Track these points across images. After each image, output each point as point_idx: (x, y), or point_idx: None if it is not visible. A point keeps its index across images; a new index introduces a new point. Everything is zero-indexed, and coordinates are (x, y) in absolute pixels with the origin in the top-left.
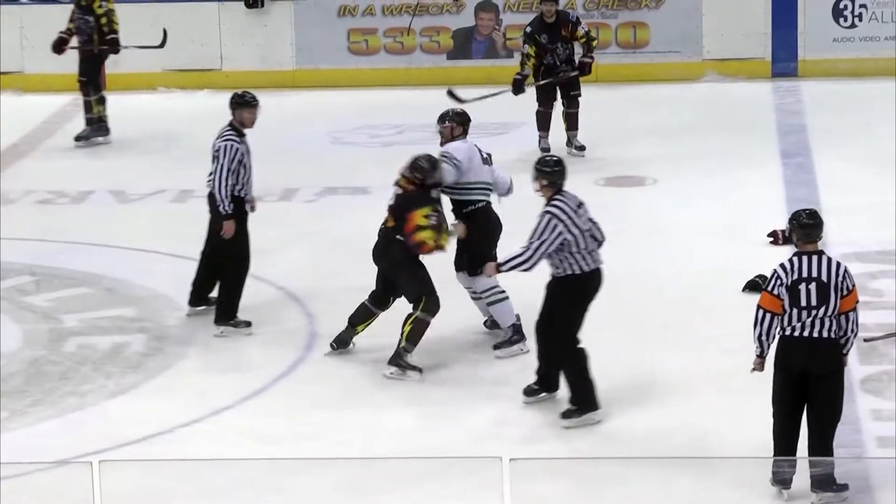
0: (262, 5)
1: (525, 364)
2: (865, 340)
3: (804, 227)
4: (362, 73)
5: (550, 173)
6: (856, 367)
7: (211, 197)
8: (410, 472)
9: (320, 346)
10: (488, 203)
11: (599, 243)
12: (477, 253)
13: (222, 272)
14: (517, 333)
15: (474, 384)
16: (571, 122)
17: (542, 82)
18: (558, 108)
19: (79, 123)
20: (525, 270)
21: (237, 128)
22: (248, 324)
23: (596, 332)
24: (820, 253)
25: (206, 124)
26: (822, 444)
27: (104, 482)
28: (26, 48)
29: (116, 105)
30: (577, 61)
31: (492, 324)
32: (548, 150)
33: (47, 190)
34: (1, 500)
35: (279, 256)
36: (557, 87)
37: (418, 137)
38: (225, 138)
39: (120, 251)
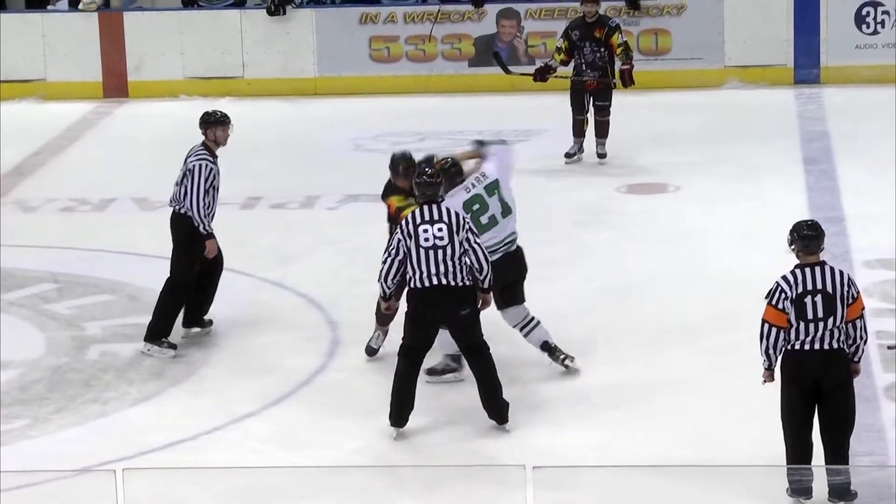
0: (285, 13)
1: (550, 374)
2: (889, 348)
3: (804, 239)
4: (384, 80)
5: (418, 184)
6: (879, 375)
7: (178, 218)
8: (433, 480)
9: (342, 354)
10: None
11: (480, 269)
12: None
13: (203, 288)
14: (454, 362)
15: None
16: (599, 130)
17: (570, 80)
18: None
19: (102, 130)
20: (382, 286)
21: (210, 148)
22: (173, 346)
23: (617, 337)
24: (822, 264)
25: None
26: (839, 454)
27: (127, 490)
28: (49, 56)
29: (139, 113)
30: (609, 69)
31: (543, 345)
32: (572, 156)
33: (69, 197)
34: None
35: (301, 263)
36: (590, 95)
37: (440, 144)
38: (199, 157)
39: (142, 258)
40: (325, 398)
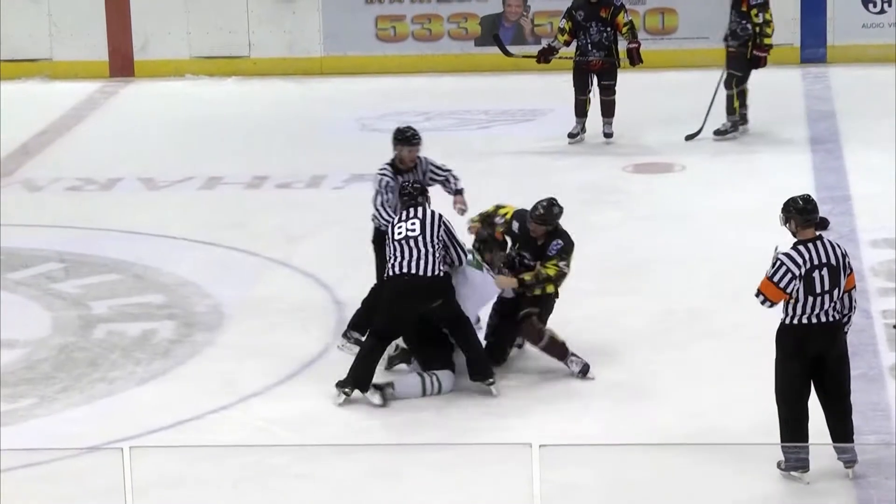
0: None
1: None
2: (895, 327)
3: (803, 213)
4: (390, 59)
5: (400, 194)
6: (885, 354)
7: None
8: (440, 459)
9: None
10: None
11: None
12: None
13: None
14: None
15: (500, 372)
16: (605, 109)
17: (574, 60)
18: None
19: (107, 110)
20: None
21: (394, 163)
22: (358, 341)
23: (622, 317)
24: (820, 237)
25: (234, 112)
26: (846, 425)
27: (135, 468)
28: (54, 35)
29: (145, 92)
30: (614, 49)
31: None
32: (575, 136)
33: (76, 177)
34: (32, 486)
35: (307, 243)
36: (594, 75)
37: (446, 124)
38: (378, 170)
39: (148, 238)
40: (331, 377)
